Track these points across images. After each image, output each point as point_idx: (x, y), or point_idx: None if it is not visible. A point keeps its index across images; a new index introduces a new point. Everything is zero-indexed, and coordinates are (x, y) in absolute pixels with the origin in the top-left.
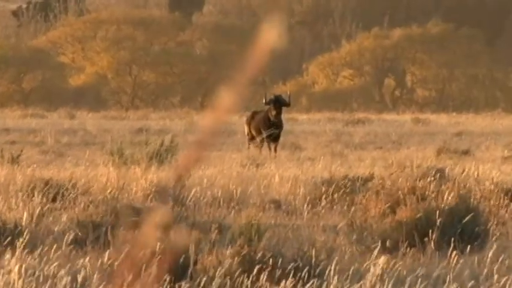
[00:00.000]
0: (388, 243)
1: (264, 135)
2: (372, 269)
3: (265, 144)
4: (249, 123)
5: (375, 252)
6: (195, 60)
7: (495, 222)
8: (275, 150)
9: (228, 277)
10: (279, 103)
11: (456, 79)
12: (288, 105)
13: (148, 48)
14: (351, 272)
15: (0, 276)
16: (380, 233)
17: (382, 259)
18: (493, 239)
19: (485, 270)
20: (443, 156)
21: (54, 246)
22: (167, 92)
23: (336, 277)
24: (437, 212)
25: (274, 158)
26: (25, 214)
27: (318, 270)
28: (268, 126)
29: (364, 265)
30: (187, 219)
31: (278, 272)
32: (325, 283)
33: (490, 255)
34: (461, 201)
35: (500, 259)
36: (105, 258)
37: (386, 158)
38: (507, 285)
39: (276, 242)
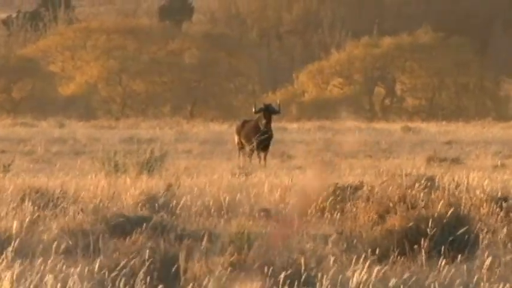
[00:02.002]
0: (378, 252)
1: (254, 143)
2: (361, 278)
3: (255, 153)
4: (239, 132)
5: (365, 260)
6: (185, 68)
7: (485, 231)
8: (264, 159)
9: (218, 285)
10: (268, 112)
11: (446, 88)
12: (277, 112)
13: (138, 57)
14: (340, 281)
15: None
16: (370, 242)
17: (372, 268)
18: (484, 247)
19: (476, 279)
20: (434, 164)
21: (45, 255)
22: (157, 101)
23: (325, 285)
24: (428, 220)
25: (264, 167)
26: (15, 222)
27: (307, 279)
28: (258, 135)
29: (354, 273)
30: (177, 228)
31: (268, 281)
32: None
33: (480, 263)
34: (452, 210)
35: (491, 267)
36: (95, 267)
37: (377, 167)
38: None
39: (265, 250)
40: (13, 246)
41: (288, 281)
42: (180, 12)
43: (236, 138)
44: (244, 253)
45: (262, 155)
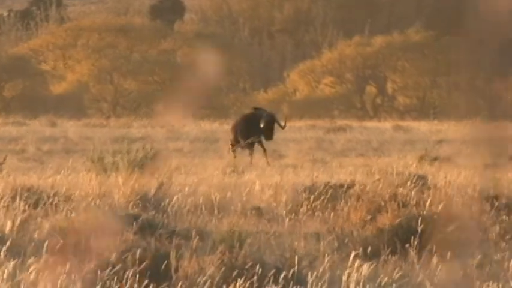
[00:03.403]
0: (369, 250)
1: (250, 140)
2: (352, 276)
3: (249, 151)
4: (235, 130)
5: (357, 259)
6: (177, 67)
7: (477, 229)
8: (264, 151)
9: (209, 284)
10: (271, 125)
11: (438, 87)
12: (282, 127)
13: (130, 56)
14: (332, 279)
15: None
16: (361, 240)
17: (363, 266)
18: (475, 245)
19: (467, 277)
20: (425, 163)
21: (36, 253)
22: (148, 99)
23: (317, 284)
24: (419, 218)
25: (267, 163)
26: (7, 221)
27: (299, 277)
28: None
29: (345, 272)
30: (168, 226)
31: (259, 279)
32: None
33: (471, 261)
34: (443, 208)
35: (482, 266)
36: (87, 265)
37: (368, 165)
38: None
39: (257, 249)
40: (5, 245)
41: (279, 280)
42: (172, 11)
43: (232, 136)
44: (236, 251)
45: (258, 148)
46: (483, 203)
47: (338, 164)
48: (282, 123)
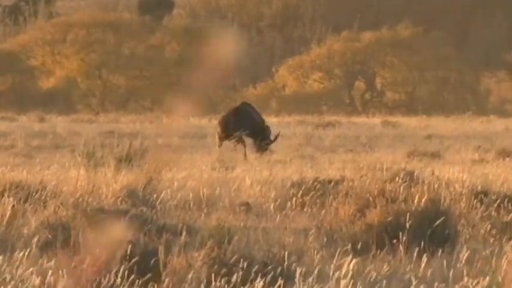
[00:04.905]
0: (358, 246)
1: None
2: (341, 272)
3: (236, 145)
4: (223, 122)
5: (345, 254)
6: (165, 63)
7: (466, 225)
8: (245, 146)
9: (198, 279)
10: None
11: (426, 82)
12: (270, 140)
13: (118, 51)
14: (320, 275)
15: None
16: (350, 236)
17: (352, 262)
18: (463, 241)
19: (456, 273)
20: (414, 158)
21: (24, 249)
22: (137, 95)
23: (305, 279)
24: (407, 214)
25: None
26: None
27: (287, 273)
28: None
29: (334, 267)
30: (157, 222)
31: (247, 274)
32: (294, 285)
33: (460, 257)
34: (431, 204)
35: (470, 262)
36: (75, 261)
37: (357, 161)
38: None
39: (245, 244)
40: None
41: (268, 275)
42: (160, 6)
43: (219, 130)
44: (224, 247)
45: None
46: (472, 199)
47: (327, 160)
48: (272, 138)
